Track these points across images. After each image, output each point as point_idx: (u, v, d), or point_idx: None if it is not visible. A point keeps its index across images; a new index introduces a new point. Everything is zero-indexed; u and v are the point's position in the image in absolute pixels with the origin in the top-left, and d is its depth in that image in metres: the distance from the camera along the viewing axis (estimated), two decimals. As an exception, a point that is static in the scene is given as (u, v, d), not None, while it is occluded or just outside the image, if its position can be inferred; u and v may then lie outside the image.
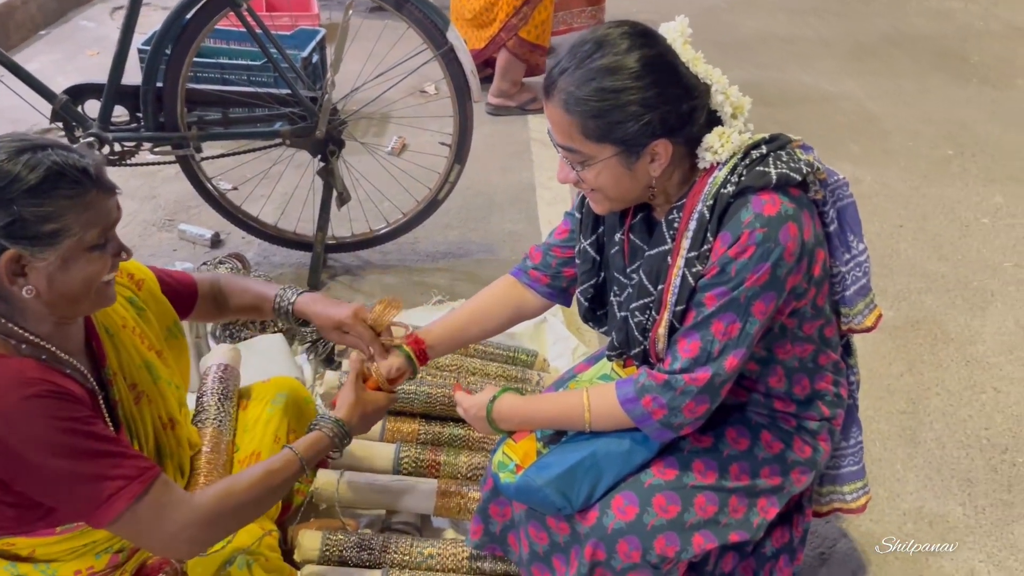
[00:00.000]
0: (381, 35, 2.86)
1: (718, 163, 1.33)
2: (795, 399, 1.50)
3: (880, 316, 1.51)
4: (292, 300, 1.63)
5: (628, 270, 1.47)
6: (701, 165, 1.34)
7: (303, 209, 2.87)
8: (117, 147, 2.50)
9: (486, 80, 4.14)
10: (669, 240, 1.37)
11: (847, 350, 1.61)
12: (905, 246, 3.05)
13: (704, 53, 1.33)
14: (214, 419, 1.74)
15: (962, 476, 2.12)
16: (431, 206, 2.76)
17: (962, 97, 4.24)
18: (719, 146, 1.32)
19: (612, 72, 1.26)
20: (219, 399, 1.79)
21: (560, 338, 2.46)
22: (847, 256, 1.45)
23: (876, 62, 4.63)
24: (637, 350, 1.46)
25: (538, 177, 3.45)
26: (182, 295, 1.59)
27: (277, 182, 3.05)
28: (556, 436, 1.50)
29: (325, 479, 1.85)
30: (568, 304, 1.68)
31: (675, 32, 1.33)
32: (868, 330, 1.51)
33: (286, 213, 2.95)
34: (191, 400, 1.81)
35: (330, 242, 2.78)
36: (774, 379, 1.47)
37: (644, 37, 1.30)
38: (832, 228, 1.43)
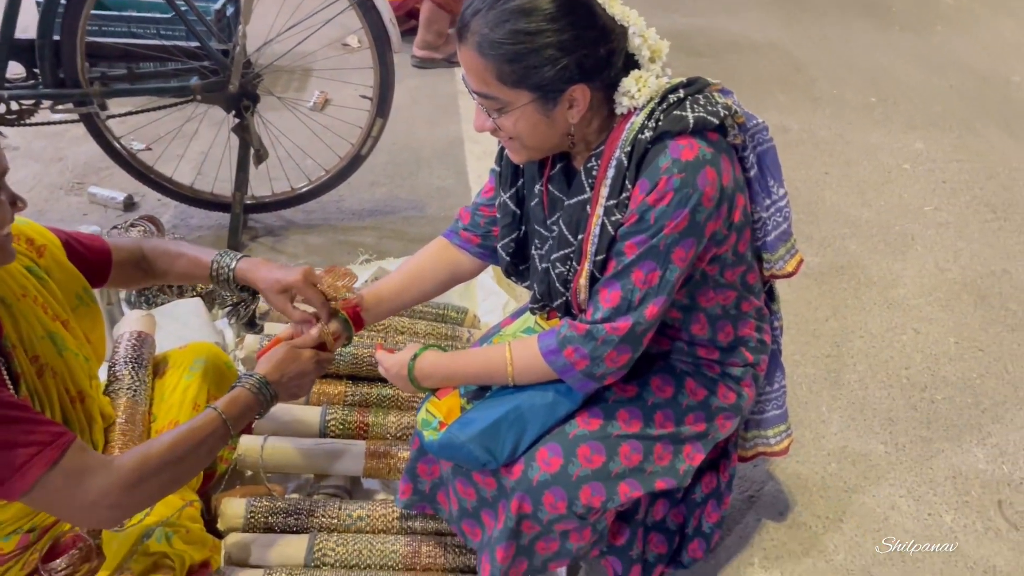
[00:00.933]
0: (296, -16, 2.75)
1: (635, 108, 1.30)
2: (718, 346, 1.50)
3: (801, 261, 1.51)
4: (232, 265, 1.55)
5: (548, 222, 1.44)
6: (618, 110, 1.31)
7: (220, 168, 2.76)
8: (14, 105, 2.35)
9: (411, 32, 4.04)
10: (588, 189, 1.34)
11: (770, 296, 1.61)
12: (830, 193, 3.09)
13: (629, 2, 1.28)
14: (128, 389, 1.67)
15: (884, 415, 2.17)
16: (354, 162, 2.68)
17: (885, 43, 4.29)
18: (636, 90, 1.28)
19: (526, 13, 1.22)
20: (133, 368, 1.72)
21: (490, 293, 2.43)
22: (768, 201, 1.44)
23: (802, 10, 4.65)
24: (559, 302, 1.43)
25: (466, 131, 3.39)
26: (93, 262, 1.49)
27: (191, 140, 2.93)
28: (480, 392, 1.47)
29: (248, 445, 1.80)
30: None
31: None
32: (789, 275, 1.51)
33: (203, 172, 2.84)
34: (103, 370, 1.73)
35: (250, 202, 2.69)
36: (697, 327, 1.47)
37: None
38: (752, 173, 1.42)
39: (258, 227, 2.77)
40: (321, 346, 1.53)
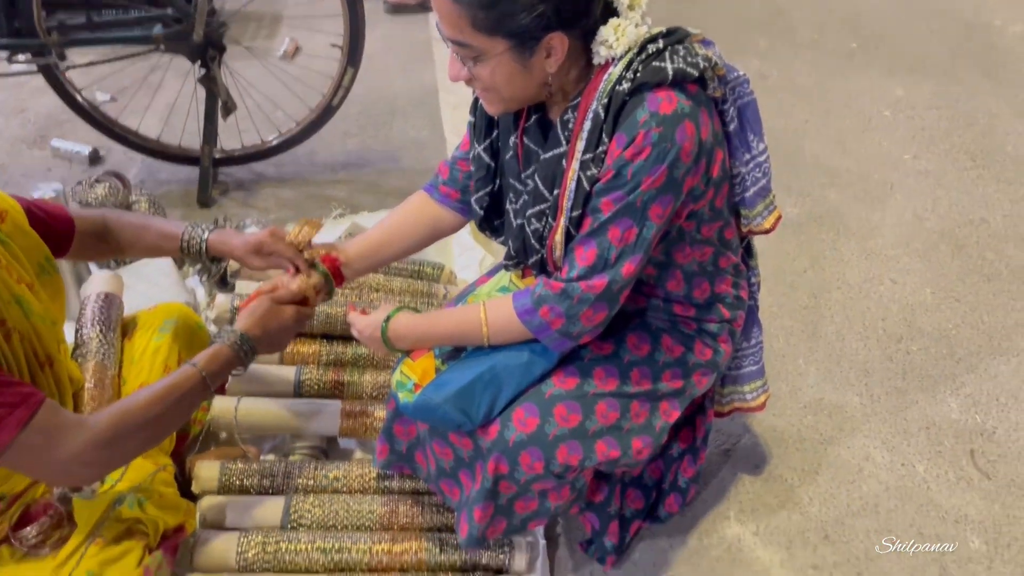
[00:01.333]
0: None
1: (613, 58, 1.26)
2: (695, 302, 1.49)
3: (779, 218, 1.49)
4: (204, 236, 1.52)
5: (523, 175, 1.40)
6: (596, 60, 1.26)
7: (187, 120, 2.68)
8: (-32, 57, 2.26)
9: (384, -25, 3.92)
10: (564, 142, 1.31)
11: (748, 251, 1.60)
12: (809, 142, 3.06)
13: None
14: (96, 352, 1.64)
15: (860, 367, 2.18)
16: (325, 113, 2.61)
17: (866, -14, 4.22)
18: (614, 40, 1.24)
19: None
20: (101, 330, 1.68)
21: (466, 249, 2.39)
22: (747, 156, 1.41)
23: (783, -48, 4.56)
24: (534, 259, 1.41)
25: (441, 80, 3.31)
26: (56, 231, 1.44)
27: (156, 91, 2.84)
28: (455, 353, 1.45)
29: (222, 406, 1.77)
30: None
31: None
32: (767, 231, 1.49)
33: (169, 124, 2.76)
34: (70, 333, 1.69)
35: (219, 156, 2.62)
36: (673, 283, 1.45)
37: None
38: (732, 127, 1.39)
39: (228, 181, 2.71)
40: (302, 300, 1.50)
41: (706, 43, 1.36)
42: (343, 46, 2.50)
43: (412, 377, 1.43)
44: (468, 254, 2.37)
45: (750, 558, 1.74)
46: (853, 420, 2.04)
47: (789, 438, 1.99)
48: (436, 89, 3.26)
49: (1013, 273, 2.48)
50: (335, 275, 1.55)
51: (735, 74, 1.37)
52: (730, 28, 3.77)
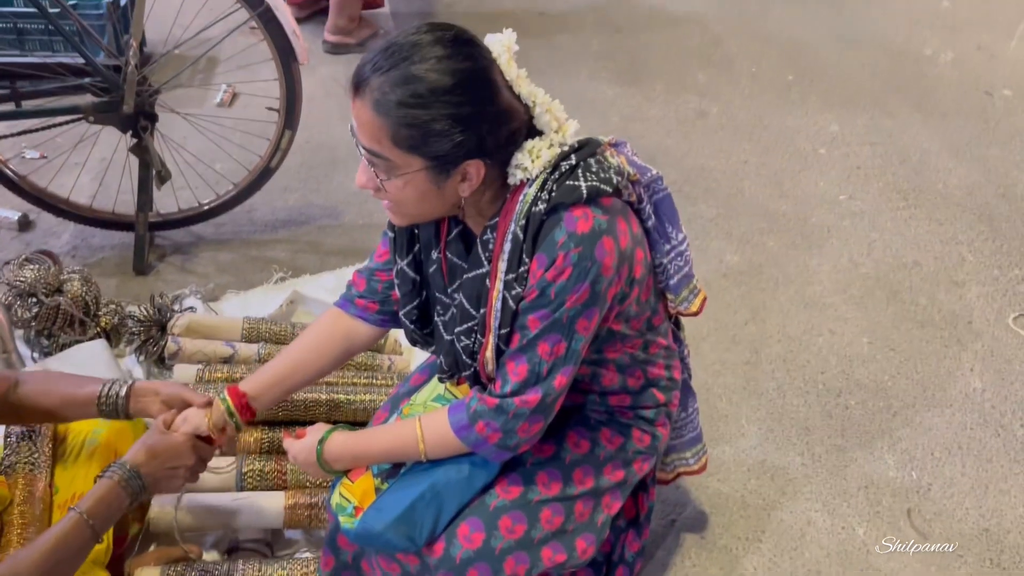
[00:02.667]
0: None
1: (528, 180, 1.27)
2: (629, 391, 1.51)
3: (705, 299, 1.52)
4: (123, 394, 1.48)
5: (449, 290, 1.41)
6: (511, 181, 1.28)
7: (121, 182, 2.62)
8: None
9: (322, 13, 3.87)
10: (486, 263, 1.32)
11: (676, 324, 1.63)
12: (749, 183, 3.11)
13: None
14: (25, 463, 1.59)
15: (800, 424, 2.22)
16: (263, 175, 2.58)
17: (801, 15, 4.28)
18: (529, 163, 1.26)
19: (429, 81, 1.17)
20: (29, 439, 1.63)
21: (410, 313, 2.38)
22: (667, 247, 1.44)
23: (721, -21, 4.60)
24: (467, 372, 1.41)
25: (382, 125, 3.28)
26: None
27: (91, 151, 2.76)
28: (394, 470, 1.45)
29: (160, 507, 1.74)
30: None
31: (500, 47, 1.23)
32: (695, 314, 1.52)
33: (104, 185, 2.69)
34: (-2, 440, 1.64)
35: (155, 220, 2.57)
36: (607, 378, 1.47)
37: (467, 46, 1.20)
38: (650, 223, 1.41)
39: (165, 244, 2.65)
40: (206, 438, 1.47)
41: (618, 145, 1.39)
42: (280, 109, 2.47)
43: (352, 500, 1.42)
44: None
45: (696, 636, 1.76)
46: (795, 482, 2.08)
47: (733, 504, 2.02)
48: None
49: (944, 319, 2.56)
50: (241, 410, 1.50)
51: (648, 174, 1.40)
52: (670, 61, 3.79)
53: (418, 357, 2.15)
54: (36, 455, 1.61)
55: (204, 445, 1.46)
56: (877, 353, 2.44)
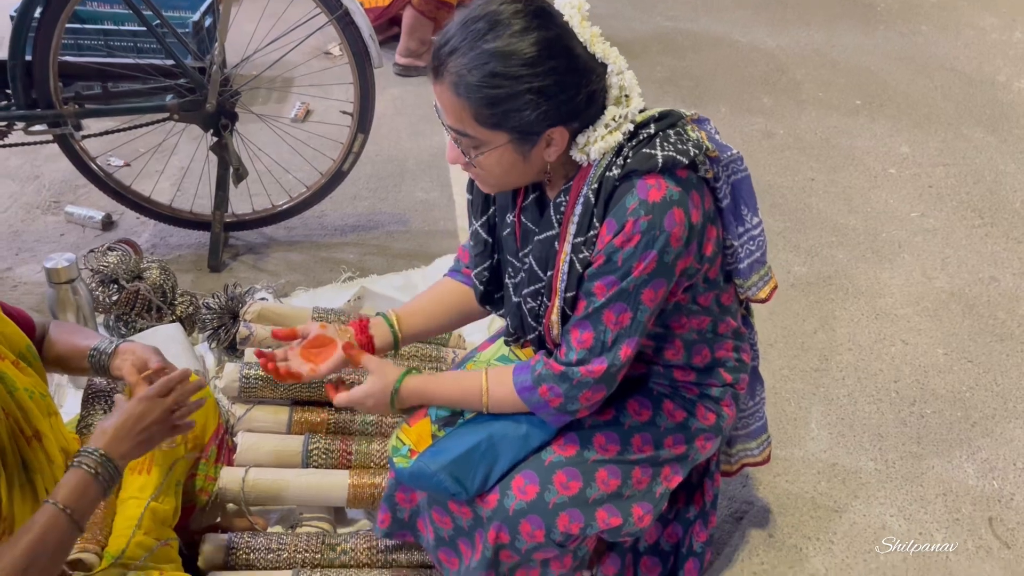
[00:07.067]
0: (273, -3, 2.70)
1: (593, 161, 1.28)
2: (695, 368, 1.49)
3: (775, 288, 1.50)
4: (109, 351, 1.45)
5: (520, 254, 1.42)
6: (577, 158, 1.29)
7: (199, 185, 2.72)
8: (-14, 127, 2.31)
9: (394, 39, 3.99)
10: (556, 225, 1.33)
11: (747, 310, 1.60)
12: (816, 200, 3.07)
13: (611, 6, 1.25)
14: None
15: (873, 431, 2.16)
16: (336, 178, 2.64)
17: (870, 44, 4.27)
18: (590, 143, 1.27)
19: (506, 57, 1.19)
20: (101, 398, 1.67)
21: (475, 311, 2.39)
22: (740, 230, 1.43)
23: (785, 10, 4.63)
24: (532, 336, 1.42)
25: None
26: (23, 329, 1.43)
27: (169, 157, 2.88)
28: (451, 419, 1.45)
29: (230, 477, 1.76)
30: None
31: (571, 8, 1.25)
32: (763, 301, 1.50)
33: (182, 190, 2.79)
34: (76, 403, 1.69)
35: (230, 220, 2.65)
36: (671, 352, 1.46)
37: (539, 17, 1.22)
38: (725, 204, 1.40)
39: (239, 244, 2.73)
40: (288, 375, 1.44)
41: (700, 121, 1.39)
42: (353, 113, 2.54)
43: (407, 442, 1.43)
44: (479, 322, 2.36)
45: (766, 633, 1.70)
46: (868, 487, 2.01)
47: (803, 504, 1.96)
48: (445, 151, 3.29)
49: (1026, 333, 2.47)
50: (365, 346, 1.50)
51: (728, 152, 1.38)
52: (734, 86, 3.81)
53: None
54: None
55: (178, 411, 1.36)
56: (954, 364, 2.36)
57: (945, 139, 3.47)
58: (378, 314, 1.56)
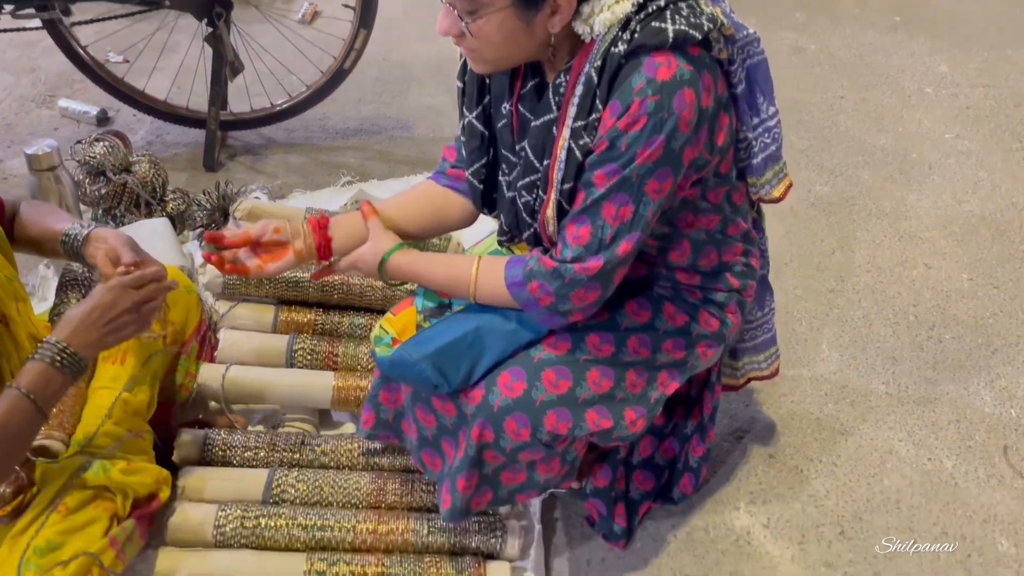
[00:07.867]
0: None
1: (596, 35, 1.16)
2: (700, 271, 1.39)
3: (790, 186, 1.38)
4: (83, 235, 1.36)
5: (517, 147, 1.30)
6: (582, 35, 1.17)
7: (195, 82, 2.61)
8: (-30, 10, 2.21)
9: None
10: (555, 108, 1.21)
11: (758, 212, 1.49)
12: (844, 118, 2.91)
13: None
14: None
15: (887, 354, 2.05)
16: (337, 77, 2.52)
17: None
18: (597, 15, 1.14)
19: None
20: (75, 286, 1.61)
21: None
22: (755, 120, 1.30)
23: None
24: (528, 233, 1.32)
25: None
26: None
27: (163, 51, 2.76)
28: (439, 310, 1.37)
29: (209, 373, 1.70)
30: None
31: None
32: (777, 200, 1.38)
33: (178, 86, 2.69)
34: (51, 291, 1.63)
35: (227, 118, 2.55)
36: (676, 254, 1.35)
37: None
38: (739, 89, 1.28)
39: (236, 145, 2.63)
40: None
41: None
42: (355, 6, 2.41)
43: (391, 331, 1.35)
44: (476, 224, 2.27)
45: (759, 552, 1.63)
46: (877, 410, 1.91)
47: (807, 425, 1.87)
48: (455, 56, 3.13)
49: (1058, 260, 2.33)
50: (321, 248, 1.40)
51: (744, 32, 1.26)
52: (764, 1, 3.60)
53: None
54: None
55: (151, 302, 1.29)
56: (978, 290, 2.24)
57: (987, 60, 3.27)
58: (346, 206, 1.45)
